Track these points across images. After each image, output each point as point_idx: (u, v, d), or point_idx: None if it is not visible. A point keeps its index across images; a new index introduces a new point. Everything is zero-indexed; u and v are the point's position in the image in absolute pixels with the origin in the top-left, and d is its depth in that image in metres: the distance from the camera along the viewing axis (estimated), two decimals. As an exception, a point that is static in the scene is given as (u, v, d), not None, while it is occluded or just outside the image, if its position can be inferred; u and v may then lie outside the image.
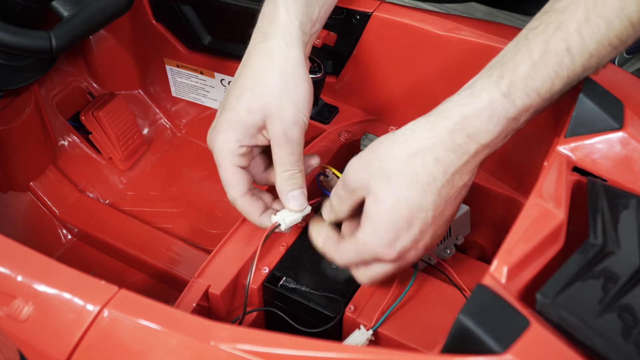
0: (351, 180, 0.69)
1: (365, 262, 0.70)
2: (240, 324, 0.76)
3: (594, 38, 0.63)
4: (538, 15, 0.66)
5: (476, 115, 0.64)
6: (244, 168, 0.76)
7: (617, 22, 0.62)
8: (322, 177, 0.85)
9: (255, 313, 0.79)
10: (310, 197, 0.83)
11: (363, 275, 0.71)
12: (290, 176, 0.76)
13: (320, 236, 0.73)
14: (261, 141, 0.76)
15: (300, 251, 0.81)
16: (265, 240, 0.76)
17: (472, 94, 0.65)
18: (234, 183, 0.76)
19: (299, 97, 0.75)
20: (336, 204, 0.72)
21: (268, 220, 0.77)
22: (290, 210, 0.76)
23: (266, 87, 0.74)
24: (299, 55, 0.76)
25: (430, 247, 0.70)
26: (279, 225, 0.76)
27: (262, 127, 0.75)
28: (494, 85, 0.64)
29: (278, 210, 0.78)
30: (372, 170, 0.67)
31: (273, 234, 0.77)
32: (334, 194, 0.72)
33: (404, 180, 0.66)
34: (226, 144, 0.75)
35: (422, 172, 0.65)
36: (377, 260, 0.69)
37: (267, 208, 0.78)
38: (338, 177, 0.85)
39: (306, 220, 0.84)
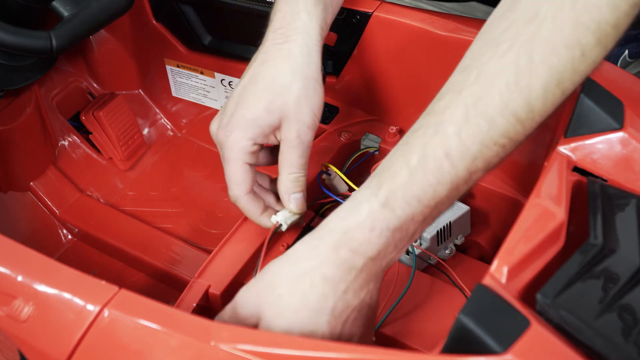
0: (242, 310, 0.65)
1: None
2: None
3: (476, 139, 0.58)
4: (422, 115, 0.62)
5: (357, 228, 0.61)
6: (250, 165, 0.76)
7: (500, 120, 0.58)
8: (324, 176, 0.85)
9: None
10: (310, 197, 0.84)
11: None
12: (296, 179, 0.76)
13: None
14: (272, 141, 0.76)
15: (301, 251, 0.81)
16: (269, 241, 0.76)
17: (353, 206, 0.62)
18: (240, 181, 0.76)
19: (316, 102, 0.75)
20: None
21: (268, 220, 0.77)
22: (291, 212, 0.77)
23: (287, 88, 0.74)
24: (319, 59, 0.76)
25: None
26: (281, 225, 0.76)
27: (277, 128, 0.75)
28: (373, 195, 0.61)
29: (278, 210, 0.78)
30: (262, 296, 0.63)
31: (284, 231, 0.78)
32: (219, 320, 0.67)
33: (294, 302, 0.61)
34: (240, 141, 0.74)
35: (311, 292, 0.61)
36: None
37: (267, 207, 0.79)
38: (340, 176, 0.85)
39: (306, 220, 0.84)
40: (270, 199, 0.80)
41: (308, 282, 0.62)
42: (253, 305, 0.64)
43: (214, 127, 0.78)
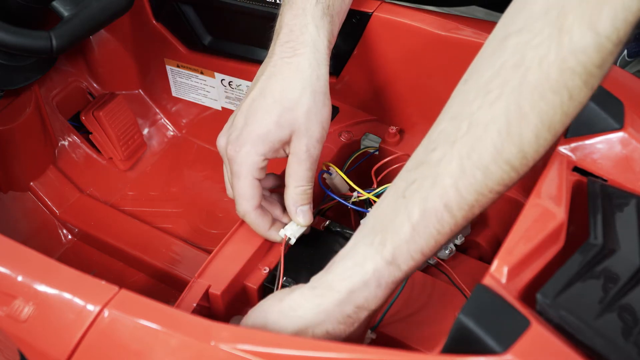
0: None
1: None
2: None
3: (472, 189, 0.59)
4: (413, 165, 0.62)
5: (364, 287, 0.62)
6: (259, 180, 0.77)
7: (494, 168, 0.58)
8: (325, 175, 0.85)
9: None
10: (313, 199, 0.84)
11: None
12: (303, 191, 0.76)
13: None
14: (281, 155, 0.76)
15: (301, 252, 0.81)
16: (283, 257, 0.77)
17: (357, 265, 0.62)
18: (249, 196, 0.76)
19: (325, 115, 0.75)
20: None
21: (276, 234, 0.78)
22: (299, 225, 0.78)
23: (297, 102, 0.74)
24: (327, 74, 0.76)
25: None
26: (290, 239, 0.78)
27: (287, 143, 0.75)
28: (377, 253, 0.61)
29: (285, 223, 0.79)
30: None
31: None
32: None
33: None
34: (251, 157, 0.74)
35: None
36: None
37: (274, 221, 0.79)
38: (341, 175, 0.85)
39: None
40: (277, 211, 0.80)
41: (310, 336, 0.63)
42: None
43: (222, 141, 0.77)
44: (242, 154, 0.75)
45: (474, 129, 0.59)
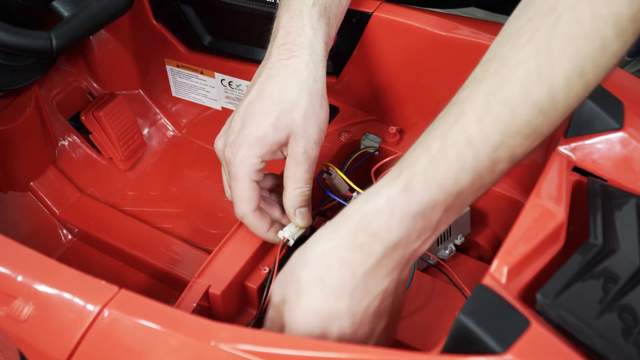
0: (274, 298, 0.66)
1: None
2: (253, 326, 0.76)
3: (497, 128, 0.58)
4: (445, 107, 0.62)
5: (376, 213, 0.60)
6: (257, 182, 0.77)
7: (522, 109, 0.57)
8: (324, 175, 0.85)
9: (255, 314, 0.79)
10: (312, 201, 0.83)
11: None
12: (301, 193, 0.76)
13: None
14: (279, 157, 0.76)
15: (301, 251, 0.81)
16: (279, 258, 0.77)
17: (373, 193, 0.62)
18: (247, 199, 0.76)
19: (322, 117, 0.75)
20: (269, 327, 0.68)
21: (275, 236, 0.78)
22: (297, 226, 0.78)
23: (294, 105, 0.74)
24: (324, 75, 0.76)
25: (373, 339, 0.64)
26: (288, 240, 0.78)
27: (284, 145, 0.75)
28: (393, 181, 0.61)
29: (283, 225, 0.79)
30: (286, 281, 0.64)
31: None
32: (266, 317, 0.68)
33: (312, 286, 0.62)
34: (249, 159, 0.74)
35: (327, 275, 0.61)
36: None
37: (273, 223, 0.79)
38: (341, 175, 0.85)
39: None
40: (276, 212, 0.80)
41: (325, 265, 0.61)
42: (281, 291, 0.64)
43: (219, 144, 0.77)
44: (239, 156, 0.75)
45: (503, 68, 0.58)
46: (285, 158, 0.76)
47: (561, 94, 0.57)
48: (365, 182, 0.88)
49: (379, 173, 0.88)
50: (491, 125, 0.58)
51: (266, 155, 0.75)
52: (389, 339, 0.67)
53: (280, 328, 0.65)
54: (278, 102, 0.74)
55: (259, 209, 0.78)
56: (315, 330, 0.61)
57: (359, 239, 0.61)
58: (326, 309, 0.61)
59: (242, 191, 0.76)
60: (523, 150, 0.59)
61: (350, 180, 0.86)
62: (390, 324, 0.65)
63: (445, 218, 0.61)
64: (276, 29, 0.79)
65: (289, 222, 0.78)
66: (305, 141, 0.74)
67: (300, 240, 0.74)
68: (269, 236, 0.78)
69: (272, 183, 0.82)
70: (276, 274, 0.75)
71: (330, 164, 0.85)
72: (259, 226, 0.78)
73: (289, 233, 0.78)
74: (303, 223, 0.78)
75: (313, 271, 0.62)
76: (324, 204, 0.86)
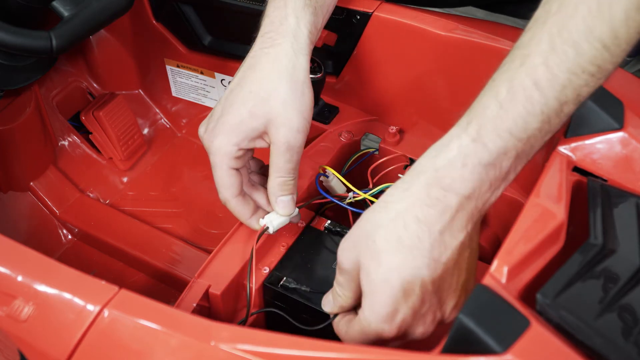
0: (344, 262, 0.65)
1: (374, 342, 0.64)
2: (244, 325, 0.76)
3: (563, 67, 0.58)
4: (509, 53, 0.62)
5: (448, 165, 0.60)
6: (238, 169, 0.77)
7: (586, 46, 0.57)
8: (322, 178, 0.85)
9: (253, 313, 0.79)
10: (307, 198, 0.84)
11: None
12: (284, 182, 0.76)
13: (338, 322, 0.69)
14: (259, 145, 0.76)
15: (301, 251, 0.81)
16: (257, 242, 0.77)
17: (443, 145, 0.62)
18: (227, 185, 0.77)
19: (304, 105, 0.75)
20: (339, 292, 0.67)
21: (257, 222, 0.78)
22: (278, 214, 0.77)
23: (273, 92, 0.74)
24: (306, 63, 0.76)
25: (444, 319, 0.65)
26: (267, 228, 0.77)
27: (263, 133, 0.75)
28: (462, 131, 0.61)
29: (267, 213, 0.78)
30: (360, 245, 0.63)
31: (273, 234, 0.78)
32: (335, 283, 0.68)
33: (390, 247, 0.61)
34: (224, 147, 0.75)
35: (405, 234, 0.60)
36: (381, 339, 0.64)
37: (257, 209, 0.79)
38: (338, 177, 0.85)
39: (306, 220, 0.84)
40: (262, 199, 0.80)
41: (401, 225, 0.61)
42: (353, 256, 0.64)
43: (201, 131, 0.78)
44: (215, 143, 0.75)
45: (565, 8, 0.59)
46: (269, 146, 0.76)
47: (622, 29, 0.58)
48: (366, 181, 0.88)
49: (375, 173, 0.88)
50: (557, 65, 0.58)
51: (243, 143, 0.75)
52: (469, 293, 0.65)
53: (353, 292, 0.65)
54: (257, 90, 0.74)
55: (242, 194, 0.78)
56: (398, 291, 0.61)
57: (433, 194, 0.61)
58: (407, 269, 0.60)
59: (221, 178, 0.76)
60: (589, 89, 0.60)
61: (350, 180, 0.85)
62: (469, 278, 0.65)
63: (514, 166, 0.61)
64: (262, 18, 0.80)
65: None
66: (285, 130, 0.74)
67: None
68: (251, 222, 0.78)
69: (258, 166, 0.82)
70: (254, 264, 0.76)
71: (327, 167, 0.85)
72: (240, 212, 0.78)
73: (268, 220, 0.77)
74: (284, 212, 0.77)
75: (389, 233, 0.61)
76: (319, 200, 0.86)
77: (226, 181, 0.76)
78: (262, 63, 0.76)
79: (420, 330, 0.64)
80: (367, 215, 0.64)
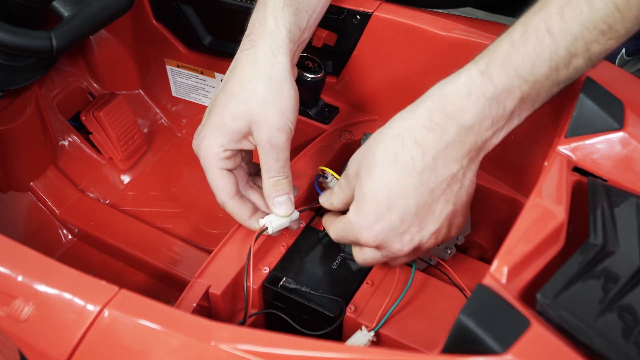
0: (349, 170, 0.71)
1: (351, 242, 0.73)
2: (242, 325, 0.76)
3: (577, 20, 0.61)
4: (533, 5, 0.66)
5: (454, 93, 0.64)
6: (230, 170, 0.77)
7: (600, 4, 0.61)
8: (320, 179, 0.85)
9: (252, 313, 0.79)
10: (309, 201, 0.84)
11: (356, 254, 0.74)
12: (276, 182, 0.76)
13: (327, 216, 0.77)
14: (247, 146, 0.77)
15: (301, 251, 0.81)
16: (254, 243, 0.77)
17: (454, 76, 0.66)
18: (221, 187, 0.77)
19: (284, 103, 0.75)
20: (336, 192, 0.74)
21: (256, 223, 0.78)
22: (278, 216, 0.77)
23: (251, 93, 0.75)
24: (285, 62, 0.76)
25: (419, 245, 0.69)
26: (267, 228, 0.77)
27: (248, 134, 0.76)
28: (474, 64, 0.65)
29: (267, 214, 0.78)
30: (363, 157, 0.69)
31: (273, 235, 0.78)
32: (337, 184, 0.74)
33: (386, 162, 0.66)
34: (212, 149, 0.76)
35: (401, 152, 0.65)
36: (359, 244, 0.71)
37: (256, 210, 0.79)
38: (337, 178, 0.85)
39: (305, 220, 0.84)
40: (260, 201, 0.80)
41: (400, 143, 0.66)
42: (356, 164, 0.70)
43: (194, 138, 0.79)
44: (202, 147, 0.76)
45: None
46: (256, 148, 0.77)
47: None
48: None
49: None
50: (570, 17, 0.61)
51: (229, 144, 0.75)
52: (458, 228, 0.70)
53: (347, 197, 0.72)
54: (237, 92, 0.75)
55: (238, 195, 0.78)
56: (381, 204, 0.66)
57: (435, 118, 0.64)
58: (395, 187, 0.66)
59: (214, 180, 0.77)
60: (599, 47, 0.62)
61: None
62: (457, 213, 0.69)
63: (518, 109, 0.64)
64: (247, 22, 0.80)
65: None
66: (266, 129, 0.74)
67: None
68: (251, 224, 0.79)
69: (258, 171, 0.82)
70: (252, 265, 0.76)
71: (326, 168, 0.85)
72: (238, 213, 0.78)
73: (268, 221, 0.77)
74: (282, 212, 0.77)
75: (388, 148, 0.66)
76: (317, 203, 0.86)
77: (219, 183, 0.77)
78: (242, 65, 0.77)
79: (397, 247, 0.69)
80: (376, 132, 0.69)
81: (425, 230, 0.68)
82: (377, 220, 0.67)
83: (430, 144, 0.64)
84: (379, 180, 0.66)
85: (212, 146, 0.76)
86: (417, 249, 0.70)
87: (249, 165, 0.82)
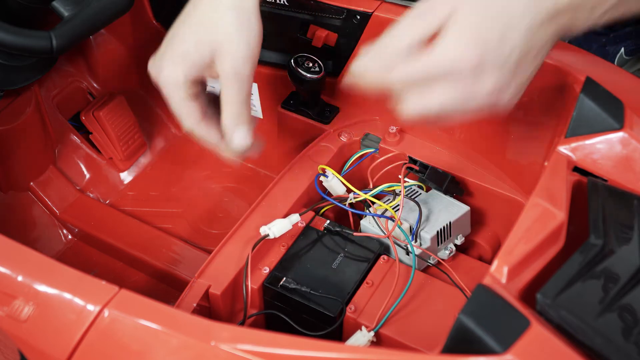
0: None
1: (430, 81, 0.64)
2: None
3: None
4: None
5: None
6: (194, 96, 0.76)
7: None
8: (321, 178, 0.85)
9: (252, 313, 0.79)
10: (310, 202, 0.84)
11: (416, 101, 0.65)
12: (237, 114, 0.74)
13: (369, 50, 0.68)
14: (208, 74, 0.75)
15: (301, 251, 0.81)
16: (253, 250, 0.77)
17: None
18: (187, 112, 0.76)
19: (252, 33, 0.74)
20: (404, 25, 0.67)
21: (230, 144, 0.76)
22: (235, 150, 0.75)
23: (218, 22, 0.73)
24: None
25: (508, 94, 0.65)
26: (267, 236, 0.77)
27: (210, 63, 0.74)
28: None
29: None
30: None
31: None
32: (410, 12, 0.67)
33: (500, 3, 0.63)
34: (172, 76, 0.74)
35: (514, 2, 0.62)
36: (448, 77, 0.63)
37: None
38: (338, 178, 0.85)
39: (306, 220, 0.84)
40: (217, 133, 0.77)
41: None
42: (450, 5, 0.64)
43: (149, 66, 0.77)
44: (163, 74, 0.75)
45: None
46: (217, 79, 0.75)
47: None
48: (366, 181, 0.88)
49: (375, 173, 0.88)
50: None
51: (191, 72, 0.74)
52: (517, 94, 0.66)
53: (423, 30, 0.65)
54: (203, 21, 0.74)
55: (204, 120, 0.76)
56: (493, 37, 0.62)
57: None
58: (480, 30, 0.62)
59: (179, 108, 0.75)
60: None
61: (350, 180, 0.86)
62: (518, 79, 0.64)
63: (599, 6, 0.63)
64: None
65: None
66: (231, 58, 0.73)
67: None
68: (223, 145, 0.76)
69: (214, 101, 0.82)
70: (250, 267, 0.76)
71: (327, 167, 0.85)
72: (209, 135, 0.76)
73: (267, 228, 0.78)
74: (240, 144, 0.75)
75: None
76: (321, 204, 0.86)
77: (183, 110, 0.75)
78: None
79: (492, 83, 0.63)
80: None
81: (519, 83, 0.65)
82: (486, 52, 0.62)
83: (533, 16, 0.62)
84: (495, 17, 0.62)
85: (172, 73, 0.74)
86: (499, 93, 0.65)
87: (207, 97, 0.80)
